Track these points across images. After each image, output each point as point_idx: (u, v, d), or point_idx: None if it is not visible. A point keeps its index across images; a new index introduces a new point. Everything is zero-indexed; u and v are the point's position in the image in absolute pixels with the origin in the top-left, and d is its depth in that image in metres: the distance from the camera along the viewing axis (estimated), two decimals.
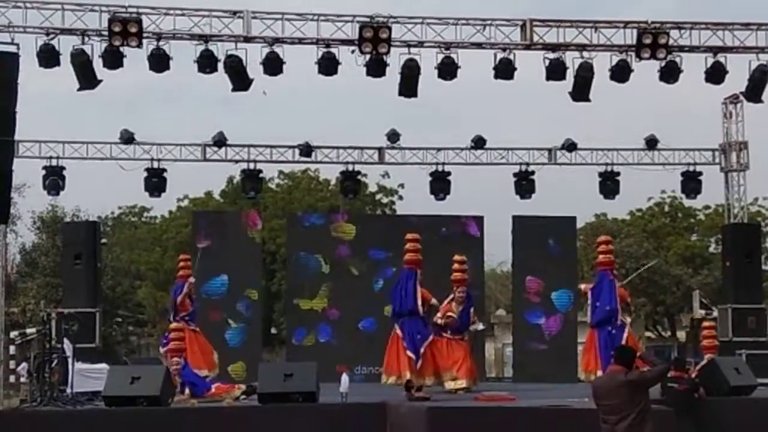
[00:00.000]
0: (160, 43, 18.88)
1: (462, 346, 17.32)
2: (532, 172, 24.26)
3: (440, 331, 17.15)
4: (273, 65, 19.24)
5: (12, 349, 27.81)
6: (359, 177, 25.25)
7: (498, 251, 31.77)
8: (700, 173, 24.45)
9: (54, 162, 23.18)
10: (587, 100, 20.17)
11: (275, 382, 14.45)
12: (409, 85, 19.77)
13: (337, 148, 24.34)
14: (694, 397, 14.08)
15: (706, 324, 17.00)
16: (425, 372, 15.97)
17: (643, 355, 10.16)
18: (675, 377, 14.13)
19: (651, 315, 41.98)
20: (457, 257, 17.69)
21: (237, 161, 24.08)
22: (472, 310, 17.65)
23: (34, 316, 33.79)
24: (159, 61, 18.97)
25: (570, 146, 24.15)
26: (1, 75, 15.75)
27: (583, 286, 17.46)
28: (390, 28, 18.89)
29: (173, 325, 16.99)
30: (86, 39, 18.64)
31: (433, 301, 16.42)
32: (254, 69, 19.32)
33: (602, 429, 9.43)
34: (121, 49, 18.42)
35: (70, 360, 15.90)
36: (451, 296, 17.26)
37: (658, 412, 11.99)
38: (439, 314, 16.98)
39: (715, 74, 20.01)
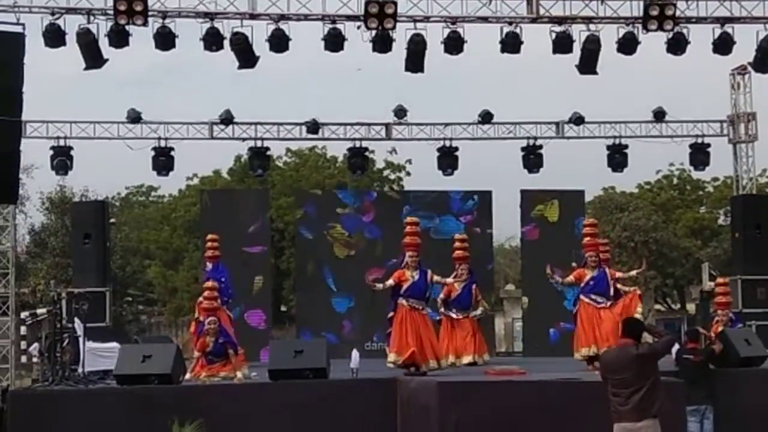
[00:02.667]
0: (166, 21, 18.86)
1: (467, 324, 17.41)
2: (540, 146, 24.21)
3: (446, 309, 17.26)
4: (279, 42, 19.22)
5: (23, 329, 28.00)
6: (366, 153, 25.22)
7: (506, 226, 31.79)
8: (709, 145, 24.38)
9: (62, 142, 23.18)
10: (594, 73, 20.15)
11: (286, 359, 14.49)
12: (415, 61, 19.74)
13: (344, 124, 24.30)
14: (708, 368, 14.08)
15: (720, 281, 17.19)
16: (428, 355, 15.16)
17: (649, 327, 10.13)
18: (689, 349, 14.12)
19: (660, 288, 41.93)
20: (457, 236, 18.07)
21: (244, 139, 24.05)
22: (474, 287, 17.70)
23: (44, 296, 33.92)
24: (165, 40, 18.95)
25: (577, 120, 24.08)
26: (7, 55, 15.77)
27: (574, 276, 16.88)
28: (396, 3, 18.82)
29: (208, 283, 16.71)
30: (92, 18, 18.64)
31: (436, 278, 15.66)
32: (260, 46, 19.32)
33: (612, 402, 9.40)
34: (127, 27, 18.40)
35: (81, 339, 15.95)
36: (454, 273, 17.23)
37: (669, 384, 12.03)
38: (441, 294, 17.15)
39: (723, 45, 19.93)
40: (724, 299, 16.60)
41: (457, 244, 18.04)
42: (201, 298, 16.70)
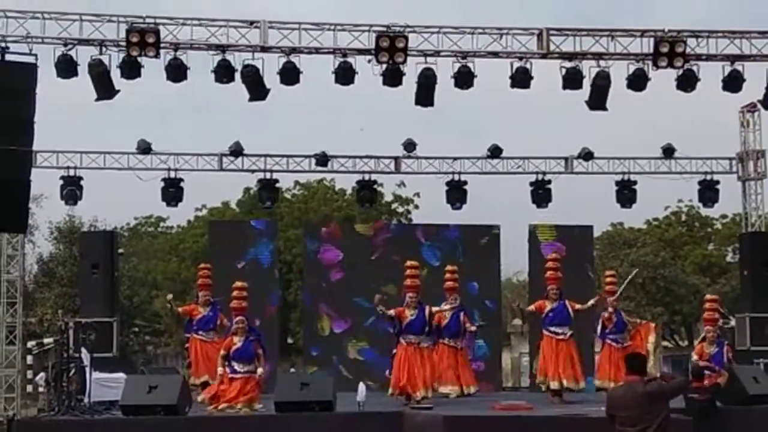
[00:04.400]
0: (178, 53, 18.91)
1: (454, 353, 18.02)
2: (549, 181, 24.23)
3: (438, 337, 17.65)
4: (290, 75, 19.27)
5: (29, 358, 27.94)
6: (375, 186, 25.25)
7: (514, 261, 31.79)
8: (718, 182, 24.39)
9: (71, 172, 23.26)
10: (604, 109, 20.13)
11: (292, 391, 14.47)
12: (425, 95, 19.76)
13: (353, 157, 24.36)
14: (715, 407, 14.02)
15: (708, 297, 17.52)
16: (420, 383, 16.27)
17: (663, 374, 10.10)
18: (695, 387, 14.06)
19: (668, 324, 41.84)
20: (449, 267, 18.81)
21: (253, 171, 24.11)
22: (462, 314, 18.24)
23: (51, 325, 33.90)
24: (176, 71, 19.01)
25: (586, 155, 24.11)
26: (20, 85, 15.91)
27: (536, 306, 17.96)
28: (406, 38, 18.88)
29: (239, 283, 16.79)
30: (104, 49, 18.69)
31: (435, 309, 17.09)
32: (271, 79, 19.37)
33: None
34: (139, 59, 18.44)
35: (87, 369, 15.94)
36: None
37: (677, 421, 11.97)
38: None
39: (733, 82, 19.93)
40: (711, 315, 16.73)
41: (447, 275, 18.59)
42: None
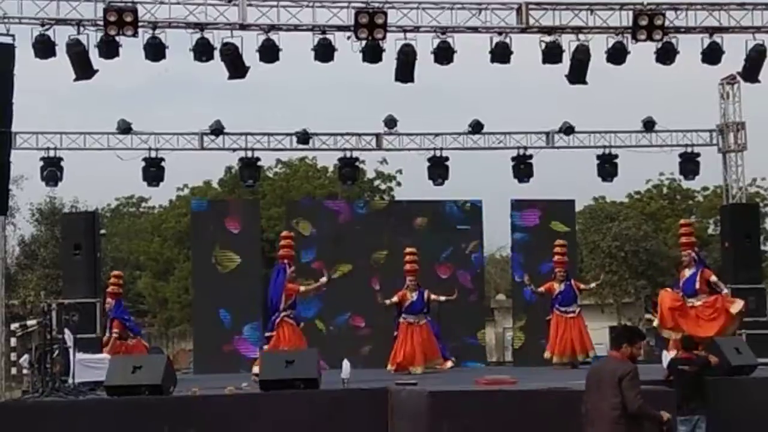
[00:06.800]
0: (156, 31, 18.84)
1: (420, 329, 18.71)
2: (530, 156, 24.23)
3: (400, 315, 18.74)
4: (269, 53, 19.23)
5: (13, 341, 27.90)
6: (357, 164, 25.23)
7: (497, 236, 31.86)
8: (698, 154, 24.45)
9: (51, 153, 23.13)
10: (584, 82, 20.18)
11: (277, 370, 14.48)
12: (405, 71, 19.75)
13: (335, 134, 24.30)
14: (703, 379, 14.05)
15: (683, 222, 19.13)
16: (418, 359, 18.38)
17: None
18: (684, 358, 14.08)
19: (651, 297, 42.00)
20: (408, 249, 19.26)
21: (234, 150, 24.03)
22: (426, 293, 18.93)
23: (34, 307, 33.84)
24: (155, 50, 18.93)
25: (567, 129, 24.13)
26: None
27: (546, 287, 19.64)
28: (386, 14, 18.84)
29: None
30: (82, 29, 18.59)
31: (433, 296, 19.00)
32: (250, 56, 19.33)
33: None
34: (117, 38, 18.36)
35: (71, 350, 15.90)
36: (405, 285, 18.84)
37: (660, 393, 12.07)
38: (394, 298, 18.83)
39: (712, 55, 19.99)
40: (687, 240, 17.54)
41: (407, 257, 19.12)
42: None
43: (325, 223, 23.63)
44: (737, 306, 16.97)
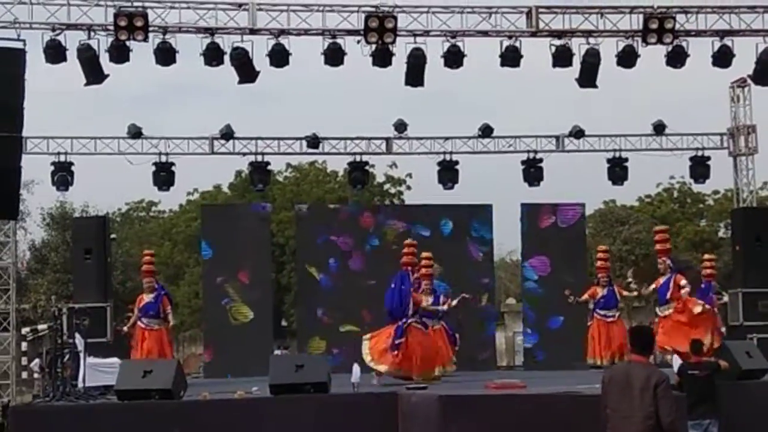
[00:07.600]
0: (166, 36, 18.87)
1: (437, 334, 18.32)
2: (540, 160, 24.24)
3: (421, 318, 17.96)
4: (279, 57, 19.25)
5: (24, 345, 27.95)
6: (367, 168, 25.25)
7: (507, 240, 31.82)
8: (709, 158, 24.41)
9: (62, 158, 23.19)
10: (594, 86, 20.15)
11: (287, 374, 14.47)
12: (415, 75, 19.75)
13: (345, 139, 24.35)
14: (714, 384, 14.00)
15: (657, 228, 19.97)
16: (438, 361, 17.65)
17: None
18: (694, 362, 14.02)
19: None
20: (424, 254, 18.65)
21: (244, 154, 24.07)
22: (442, 297, 18.68)
23: (45, 312, 33.88)
24: (165, 55, 18.97)
25: (577, 133, 24.12)
26: (8, 71, 15.82)
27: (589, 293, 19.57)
28: (395, 18, 18.86)
29: None
30: (92, 34, 18.64)
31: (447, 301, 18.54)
32: (260, 61, 19.34)
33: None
34: (128, 43, 18.41)
35: (81, 355, 15.93)
36: (421, 289, 18.08)
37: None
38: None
39: (722, 58, 19.94)
40: (662, 246, 18.19)
41: (424, 262, 18.53)
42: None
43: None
44: (698, 308, 17.24)
